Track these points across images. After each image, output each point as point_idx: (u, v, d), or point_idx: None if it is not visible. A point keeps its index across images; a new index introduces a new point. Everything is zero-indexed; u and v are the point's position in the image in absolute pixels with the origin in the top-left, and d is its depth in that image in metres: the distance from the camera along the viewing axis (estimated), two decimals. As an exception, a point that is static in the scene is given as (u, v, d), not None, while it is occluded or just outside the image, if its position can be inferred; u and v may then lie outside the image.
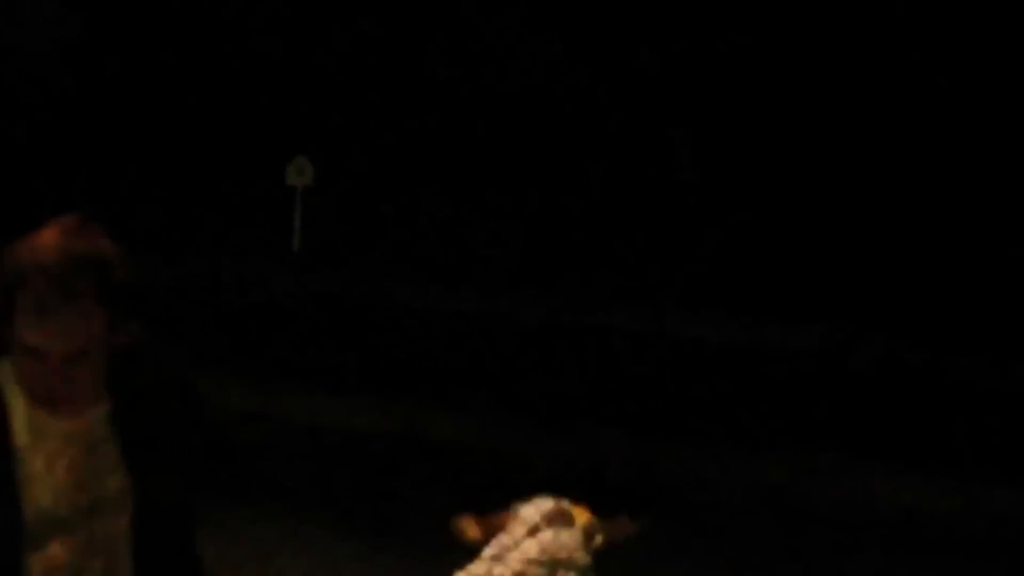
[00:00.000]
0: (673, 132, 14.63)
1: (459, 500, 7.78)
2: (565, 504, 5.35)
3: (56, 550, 2.09)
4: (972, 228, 14.32)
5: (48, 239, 2.00)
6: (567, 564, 5.24)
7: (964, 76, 15.30)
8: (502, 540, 5.36)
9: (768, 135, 14.52)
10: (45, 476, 2.08)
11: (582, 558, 5.24)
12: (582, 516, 5.27)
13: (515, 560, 5.33)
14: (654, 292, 12.26)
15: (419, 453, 9.30)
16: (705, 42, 14.77)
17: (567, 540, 5.37)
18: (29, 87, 16.45)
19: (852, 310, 12.21)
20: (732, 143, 14.57)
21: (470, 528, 5.02)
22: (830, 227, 14.17)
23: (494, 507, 7.53)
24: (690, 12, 14.79)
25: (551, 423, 10.30)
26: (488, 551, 5.27)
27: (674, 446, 9.79)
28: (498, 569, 5.36)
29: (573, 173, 14.81)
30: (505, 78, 14.72)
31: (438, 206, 15.03)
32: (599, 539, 5.41)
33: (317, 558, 6.58)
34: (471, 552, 5.48)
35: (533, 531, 5.41)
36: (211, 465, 2.41)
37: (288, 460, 8.92)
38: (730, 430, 10.37)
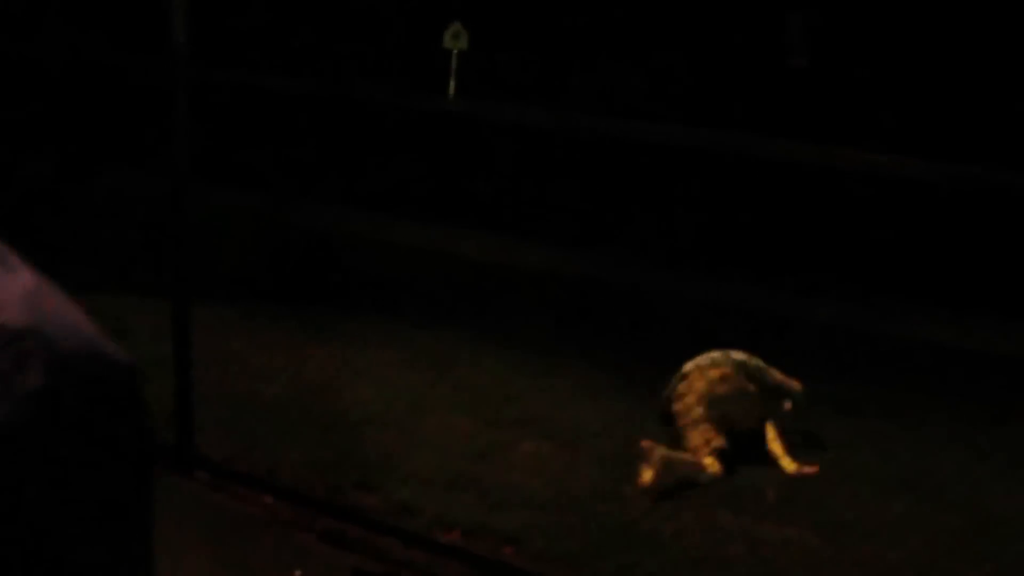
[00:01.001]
0: (789, 16, 14.22)
1: (624, 338, 8.27)
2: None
3: None
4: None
5: None
6: (724, 360, 6.09)
7: None
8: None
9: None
10: None
11: (741, 355, 6.12)
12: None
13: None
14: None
15: (588, 289, 9.53)
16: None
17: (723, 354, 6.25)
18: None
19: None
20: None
21: None
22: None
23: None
24: None
25: (701, 263, 10.20)
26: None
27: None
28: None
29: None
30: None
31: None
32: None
33: (491, 370, 7.18)
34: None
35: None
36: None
37: (465, 291, 9.22)
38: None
